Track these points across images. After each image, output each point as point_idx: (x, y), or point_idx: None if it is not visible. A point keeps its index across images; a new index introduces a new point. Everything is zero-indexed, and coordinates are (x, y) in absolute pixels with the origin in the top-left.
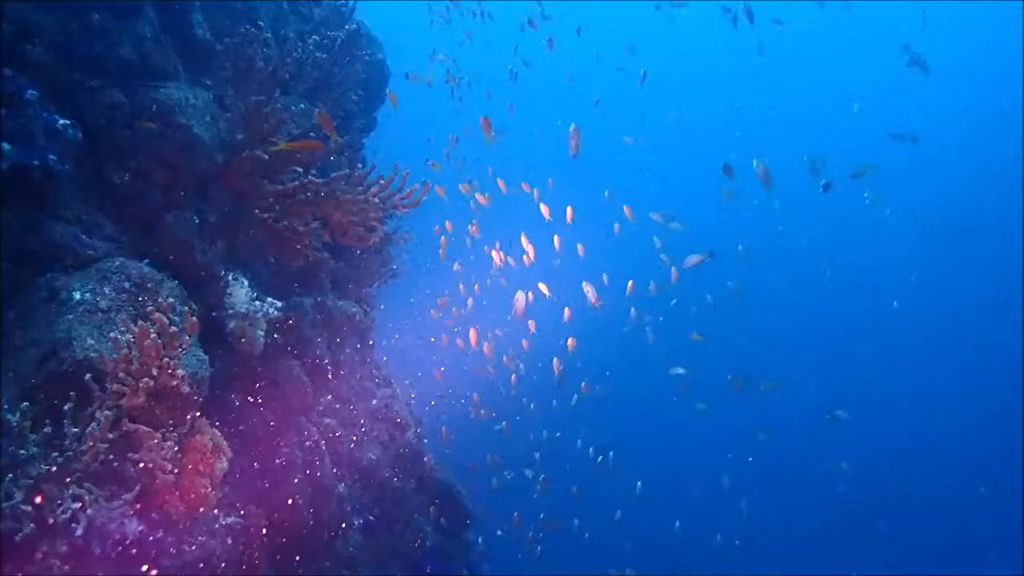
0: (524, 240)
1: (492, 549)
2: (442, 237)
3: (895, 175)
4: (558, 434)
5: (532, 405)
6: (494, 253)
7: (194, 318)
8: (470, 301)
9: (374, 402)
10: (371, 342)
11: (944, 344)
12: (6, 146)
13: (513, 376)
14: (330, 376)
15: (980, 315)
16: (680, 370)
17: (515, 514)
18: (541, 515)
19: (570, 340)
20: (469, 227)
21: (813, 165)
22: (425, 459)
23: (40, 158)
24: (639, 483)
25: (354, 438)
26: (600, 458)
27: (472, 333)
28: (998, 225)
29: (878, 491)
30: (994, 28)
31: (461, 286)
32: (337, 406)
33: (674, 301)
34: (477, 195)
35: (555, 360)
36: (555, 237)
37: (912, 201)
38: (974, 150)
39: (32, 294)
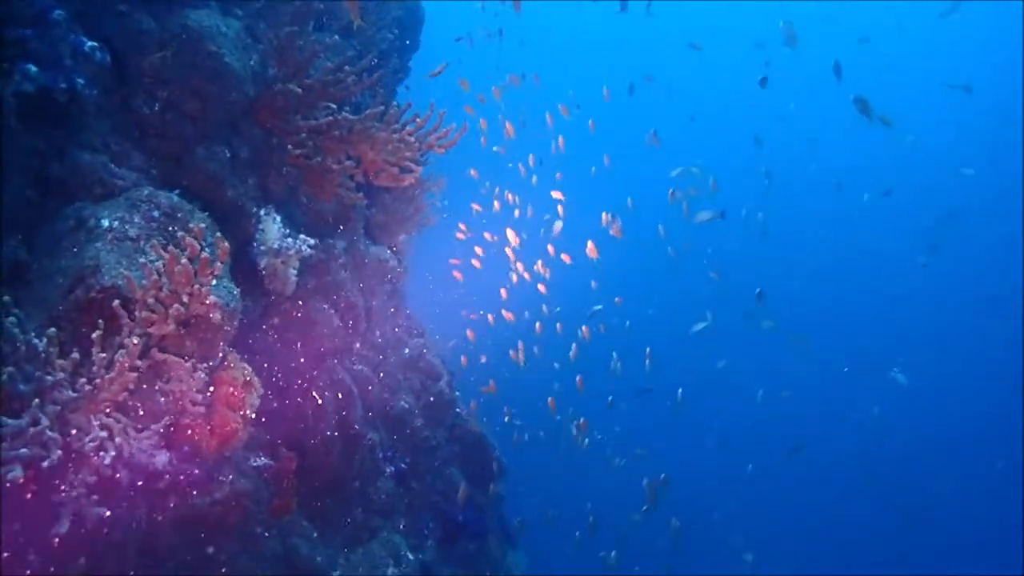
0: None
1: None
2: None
3: (894, 176)
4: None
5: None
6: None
7: (226, 244)
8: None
9: (406, 351)
10: (404, 291)
11: (944, 345)
12: (32, 67)
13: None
14: (362, 322)
15: (980, 315)
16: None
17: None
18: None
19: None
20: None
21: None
22: (457, 410)
23: (67, 80)
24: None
25: (387, 386)
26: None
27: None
28: (998, 225)
29: (878, 490)
30: (994, 28)
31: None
32: (369, 353)
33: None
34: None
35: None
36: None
37: (912, 202)
38: (974, 150)
39: (59, 223)
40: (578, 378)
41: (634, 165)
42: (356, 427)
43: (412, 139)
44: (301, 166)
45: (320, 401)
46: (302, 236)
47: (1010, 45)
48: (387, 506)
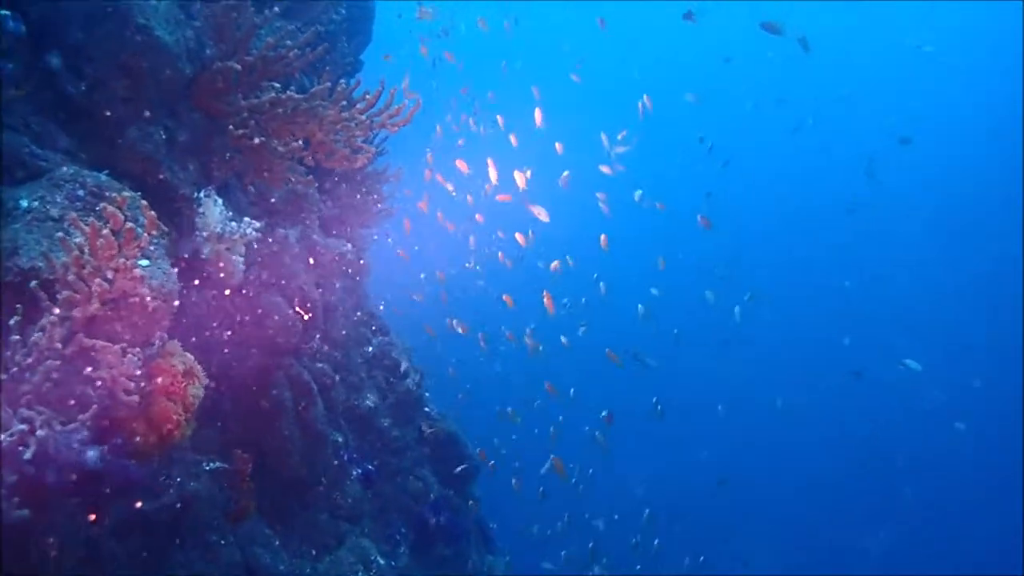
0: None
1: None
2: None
3: (893, 176)
4: None
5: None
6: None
7: (153, 214)
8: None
9: (370, 349)
10: (365, 286)
11: (944, 346)
12: None
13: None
14: (320, 317)
15: (980, 315)
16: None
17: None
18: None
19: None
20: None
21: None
22: (427, 408)
23: None
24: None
25: (350, 384)
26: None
27: None
28: (998, 226)
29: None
30: (994, 28)
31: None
32: (329, 350)
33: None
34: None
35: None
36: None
37: (910, 203)
38: (974, 150)
39: None
40: (547, 384)
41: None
42: (318, 427)
43: (363, 118)
44: (245, 148)
45: (276, 400)
46: (246, 219)
47: (1010, 45)
48: (355, 510)
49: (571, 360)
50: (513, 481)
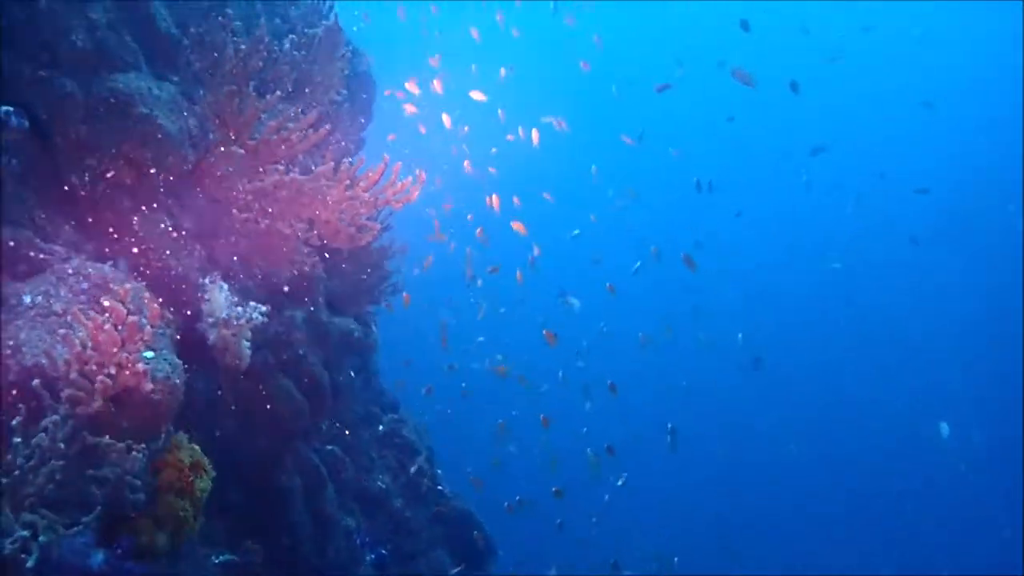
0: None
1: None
2: None
3: (895, 178)
4: None
5: None
6: None
7: (156, 306)
8: None
9: (380, 427)
10: (373, 364)
11: (944, 347)
12: None
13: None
14: (329, 399)
15: (981, 315)
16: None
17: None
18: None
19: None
20: None
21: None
22: (440, 487)
23: None
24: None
25: (360, 466)
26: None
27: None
28: (998, 228)
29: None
30: (994, 28)
31: None
32: (338, 431)
33: None
34: None
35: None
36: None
37: (911, 203)
38: (974, 150)
39: None
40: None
41: None
42: (329, 512)
43: (368, 196)
44: (250, 232)
45: (286, 486)
46: (252, 303)
47: (1010, 45)
48: None
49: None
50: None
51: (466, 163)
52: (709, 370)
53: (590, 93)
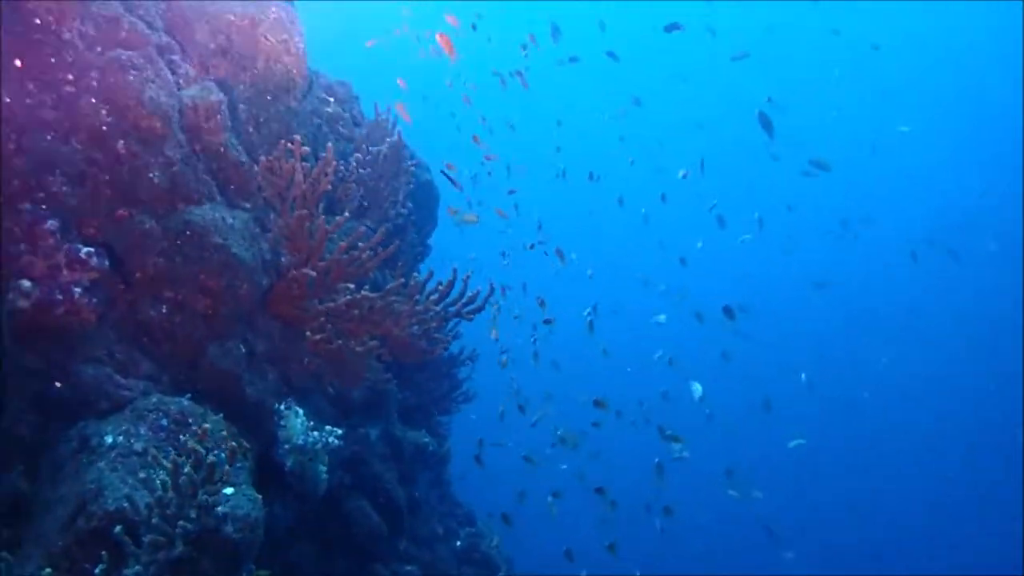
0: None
1: None
2: None
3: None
4: None
5: None
6: None
7: (234, 444)
8: None
9: (458, 543)
10: (447, 476)
11: (945, 347)
12: (26, 283)
13: None
14: (405, 516)
15: (981, 315)
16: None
17: None
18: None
19: None
20: None
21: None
22: None
23: (64, 292)
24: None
25: None
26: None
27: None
28: (999, 227)
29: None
30: (994, 28)
31: None
32: (416, 550)
33: None
34: None
35: None
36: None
37: (911, 205)
38: (974, 150)
39: (62, 446)
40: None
41: None
42: None
43: (438, 309)
44: (323, 353)
45: None
46: (328, 428)
47: (1010, 45)
48: None
49: None
50: None
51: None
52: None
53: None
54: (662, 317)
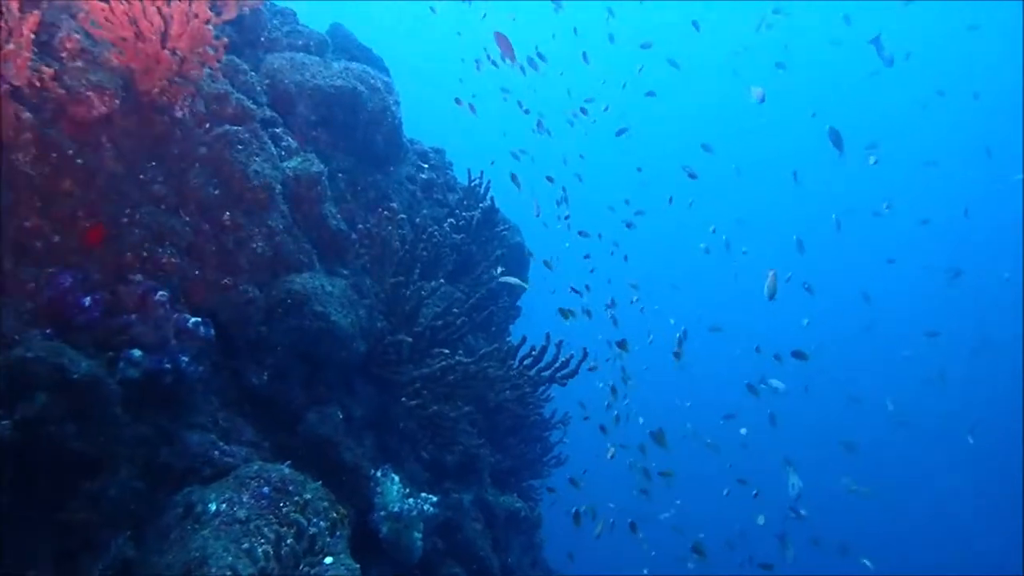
0: None
1: None
2: None
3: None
4: None
5: None
6: None
7: (335, 515)
8: None
9: None
10: (539, 540)
11: (946, 349)
12: (136, 352)
13: None
14: None
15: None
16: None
17: None
18: None
19: None
20: None
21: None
22: None
23: (172, 361)
24: None
25: None
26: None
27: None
28: (999, 228)
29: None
30: (994, 28)
31: None
32: None
33: None
34: None
35: None
36: None
37: (912, 205)
38: (974, 151)
39: (168, 512)
40: None
41: None
42: None
43: (532, 374)
44: (418, 418)
45: None
46: (423, 495)
47: (1010, 45)
48: None
49: None
50: None
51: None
52: None
53: None
54: (777, 383)
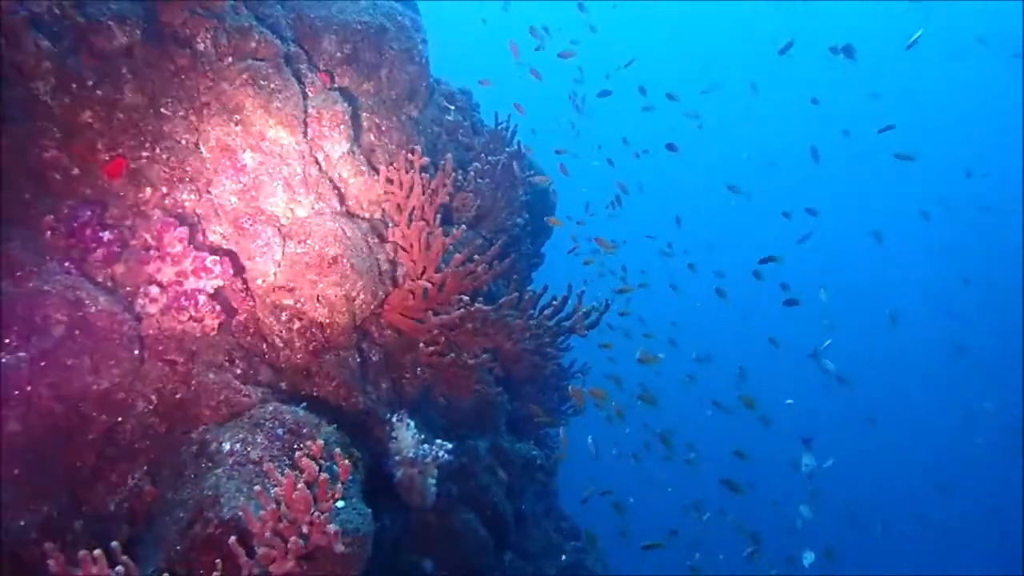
0: None
1: None
2: None
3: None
4: None
5: None
6: None
7: (346, 463)
8: None
9: (563, 557)
10: (554, 488)
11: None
12: (155, 289)
13: None
14: (512, 530)
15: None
16: None
17: None
18: None
19: None
20: None
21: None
22: None
23: (190, 298)
24: None
25: None
26: None
27: None
28: (999, 229)
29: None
30: (994, 28)
31: None
32: (521, 564)
33: None
34: None
35: None
36: None
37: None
38: (973, 151)
39: (183, 450)
40: None
41: None
42: None
43: (551, 324)
44: (436, 365)
45: None
46: (438, 441)
47: (1010, 45)
48: None
49: None
50: None
51: None
52: None
53: None
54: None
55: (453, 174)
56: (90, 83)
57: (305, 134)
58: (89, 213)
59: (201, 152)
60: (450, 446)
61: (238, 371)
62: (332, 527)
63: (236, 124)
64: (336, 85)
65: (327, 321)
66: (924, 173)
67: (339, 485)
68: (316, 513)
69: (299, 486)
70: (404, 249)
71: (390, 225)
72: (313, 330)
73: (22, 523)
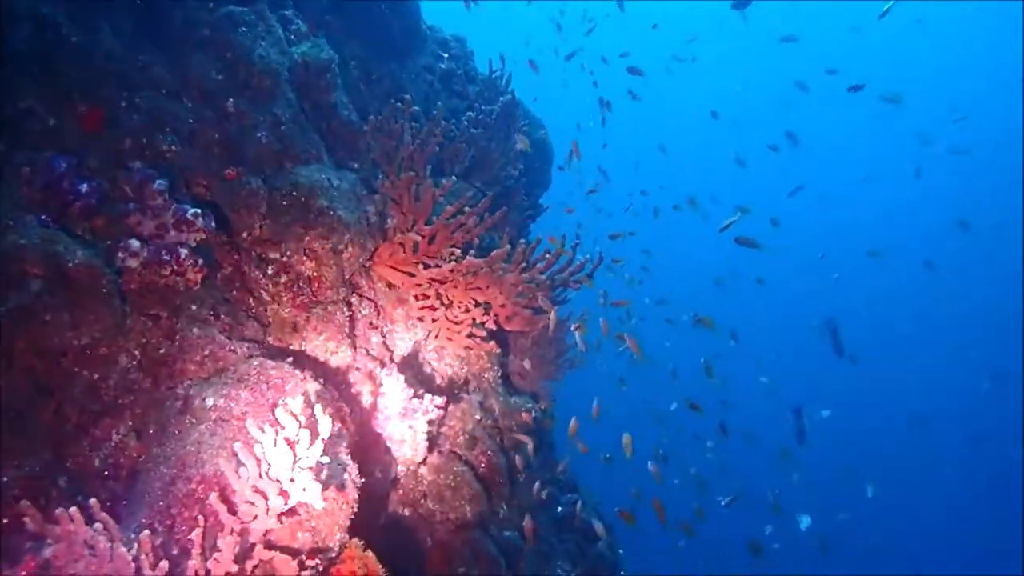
0: None
1: None
2: None
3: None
4: None
5: None
6: None
7: (327, 418)
8: None
9: (559, 509)
10: (550, 441)
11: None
12: (135, 242)
13: None
14: (506, 483)
15: (982, 317)
16: None
17: None
18: None
19: None
20: None
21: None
22: (622, 573)
23: (171, 252)
24: None
25: (540, 552)
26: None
27: None
28: (999, 229)
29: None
30: (994, 28)
31: None
32: (516, 516)
33: None
34: None
35: None
36: None
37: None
38: (974, 152)
39: (168, 405)
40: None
41: None
42: None
43: (544, 278)
44: (427, 318)
45: None
46: (428, 395)
47: (1010, 45)
48: None
49: None
50: None
51: None
52: None
53: None
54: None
55: (444, 123)
56: (64, 31)
57: (291, 83)
58: (66, 164)
59: (183, 101)
60: (441, 401)
61: (223, 326)
62: (314, 483)
63: (218, 73)
64: (323, 32)
65: (314, 275)
66: (919, 114)
67: (321, 440)
68: (298, 469)
69: (279, 441)
70: (394, 200)
71: (380, 176)
72: (300, 284)
73: (5, 480)
